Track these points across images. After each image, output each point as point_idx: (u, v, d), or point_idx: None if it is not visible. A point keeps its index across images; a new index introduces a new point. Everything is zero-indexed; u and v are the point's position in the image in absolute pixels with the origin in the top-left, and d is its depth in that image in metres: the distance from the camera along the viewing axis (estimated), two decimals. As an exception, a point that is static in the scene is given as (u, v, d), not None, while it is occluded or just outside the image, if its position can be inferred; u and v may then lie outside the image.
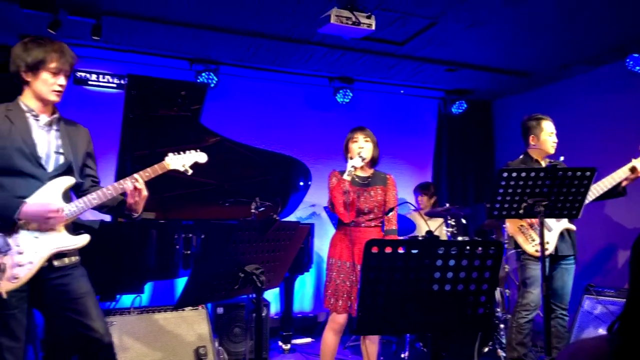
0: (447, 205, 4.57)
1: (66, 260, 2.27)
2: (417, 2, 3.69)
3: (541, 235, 2.94)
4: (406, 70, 5.25)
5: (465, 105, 5.93)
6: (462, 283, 1.89)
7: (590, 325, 4.00)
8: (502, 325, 4.23)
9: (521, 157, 3.62)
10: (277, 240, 2.30)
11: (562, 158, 3.50)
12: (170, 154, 2.51)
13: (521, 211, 2.95)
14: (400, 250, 1.81)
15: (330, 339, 3.20)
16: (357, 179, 3.25)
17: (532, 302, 3.44)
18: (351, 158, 3.22)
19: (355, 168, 3.12)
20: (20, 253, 2.13)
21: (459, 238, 4.49)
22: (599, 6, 3.73)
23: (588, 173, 2.85)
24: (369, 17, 3.35)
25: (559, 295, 3.46)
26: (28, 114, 2.27)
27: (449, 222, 4.49)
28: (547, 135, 3.54)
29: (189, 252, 3.50)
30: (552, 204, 2.92)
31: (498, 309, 4.58)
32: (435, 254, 1.84)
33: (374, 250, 1.77)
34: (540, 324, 3.16)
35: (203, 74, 4.90)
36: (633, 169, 3.31)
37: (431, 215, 4.75)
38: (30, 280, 2.15)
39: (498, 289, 4.82)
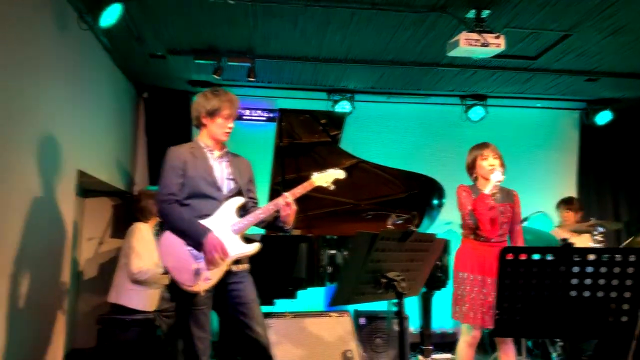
0: (592, 219, 4.35)
1: (240, 266, 2.71)
2: (548, 17, 3.70)
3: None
4: (541, 83, 5.15)
5: (610, 115, 5.60)
6: (601, 290, 1.93)
7: None
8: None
9: None
10: (416, 251, 2.49)
11: None
12: (315, 173, 2.87)
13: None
14: (535, 257, 1.92)
15: (467, 352, 3.23)
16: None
17: None
18: (483, 177, 3.27)
19: (499, 182, 3.17)
20: None
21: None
22: None
23: None
24: (497, 37, 3.45)
25: None
26: (205, 150, 2.79)
27: (595, 237, 4.28)
28: None
29: (332, 263, 3.83)
30: None
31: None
32: (570, 260, 1.91)
33: (509, 257, 1.91)
34: None
35: (340, 102, 5.34)
36: None
37: (576, 231, 4.55)
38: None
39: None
